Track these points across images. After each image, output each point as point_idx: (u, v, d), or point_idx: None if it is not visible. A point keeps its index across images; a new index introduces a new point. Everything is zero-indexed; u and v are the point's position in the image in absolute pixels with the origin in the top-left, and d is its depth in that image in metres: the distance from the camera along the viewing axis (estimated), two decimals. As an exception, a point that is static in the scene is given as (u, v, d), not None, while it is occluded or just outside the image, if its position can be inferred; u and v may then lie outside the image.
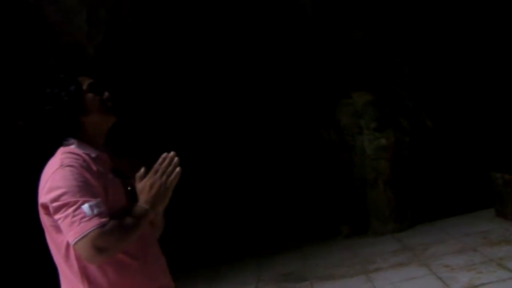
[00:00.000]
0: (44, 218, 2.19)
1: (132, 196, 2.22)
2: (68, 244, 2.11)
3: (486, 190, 7.36)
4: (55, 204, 2.07)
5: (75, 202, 2.04)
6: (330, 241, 7.78)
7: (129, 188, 2.26)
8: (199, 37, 7.97)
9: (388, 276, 5.83)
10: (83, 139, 2.27)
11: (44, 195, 2.12)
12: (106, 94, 2.34)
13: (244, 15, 7.96)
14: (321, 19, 7.91)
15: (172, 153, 2.22)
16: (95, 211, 2.04)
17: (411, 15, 8.00)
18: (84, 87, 2.30)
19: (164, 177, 2.19)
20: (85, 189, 2.08)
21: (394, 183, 7.73)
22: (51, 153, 2.28)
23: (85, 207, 2.04)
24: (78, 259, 2.13)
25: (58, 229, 2.11)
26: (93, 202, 2.05)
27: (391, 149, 7.75)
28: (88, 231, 2.02)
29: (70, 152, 2.19)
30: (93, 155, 2.23)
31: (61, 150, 2.24)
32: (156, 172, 2.19)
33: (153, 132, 7.71)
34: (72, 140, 2.26)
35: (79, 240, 2.02)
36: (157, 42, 7.66)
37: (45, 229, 2.22)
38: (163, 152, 2.25)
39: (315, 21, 7.95)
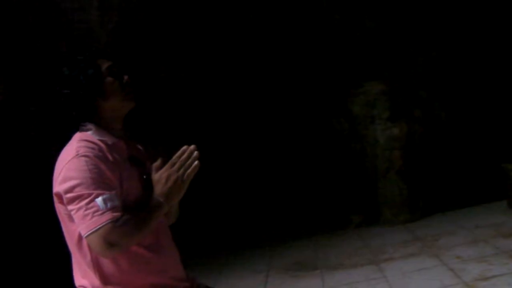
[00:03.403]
0: (58, 206, 2.19)
1: (148, 185, 2.18)
2: (80, 235, 2.10)
3: (498, 181, 7.32)
4: (68, 195, 2.06)
5: (88, 195, 2.03)
6: (341, 231, 7.76)
7: (145, 177, 2.22)
8: (212, 22, 7.93)
9: (399, 266, 5.82)
10: (100, 124, 2.23)
11: (58, 185, 2.11)
12: (126, 78, 2.29)
13: (258, 3, 7.92)
14: (335, 8, 7.87)
15: (192, 146, 2.16)
16: (109, 205, 2.02)
17: (425, 5, 7.93)
18: (103, 70, 2.25)
19: (181, 171, 2.14)
20: (99, 181, 2.05)
21: (406, 173, 7.70)
22: (66, 139, 2.26)
23: (99, 200, 2.02)
24: (90, 249, 2.12)
25: (71, 218, 2.11)
26: (107, 195, 2.04)
27: (403, 139, 7.72)
28: (101, 225, 2.00)
29: (86, 140, 2.16)
30: (109, 142, 2.20)
31: (77, 136, 2.20)
32: (174, 164, 2.15)
33: (170, 120, 7.71)
34: (89, 126, 2.22)
35: (91, 233, 2.01)
36: (171, 28, 7.63)
37: (59, 217, 2.22)
38: (180, 139, 2.22)
39: (329, 10, 7.91)
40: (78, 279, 2.24)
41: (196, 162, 2.15)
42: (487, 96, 8.08)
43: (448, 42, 8.07)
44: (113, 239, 2.01)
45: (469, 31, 8.04)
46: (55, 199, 2.17)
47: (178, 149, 2.18)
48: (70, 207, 2.07)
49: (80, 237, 2.12)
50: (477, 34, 8.05)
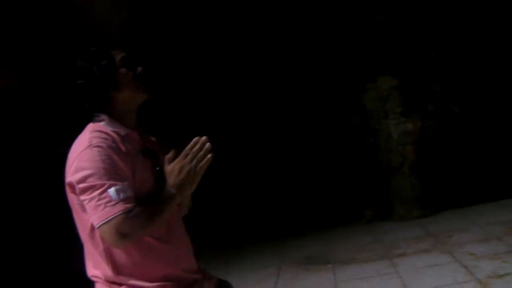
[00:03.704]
0: (70, 196, 2.18)
1: (161, 177, 2.17)
2: (93, 225, 2.09)
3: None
4: (81, 185, 2.05)
5: (101, 185, 2.02)
6: (353, 225, 7.74)
7: (157, 169, 2.21)
8: (224, 16, 7.91)
9: (412, 261, 5.80)
10: (114, 115, 2.23)
11: (71, 175, 2.10)
12: (139, 69, 2.29)
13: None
14: (347, 2, 7.82)
15: (204, 137, 2.15)
16: (121, 196, 2.02)
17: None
18: (117, 61, 2.24)
19: (194, 162, 2.13)
20: (112, 172, 2.05)
21: (419, 168, 7.66)
22: (79, 129, 2.25)
23: (111, 191, 2.01)
24: (103, 239, 2.12)
25: (84, 208, 2.10)
26: (119, 186, 2.03)
27: (416, 134, 7.67)
28: (113, 216, 2.00)
29: (99, 131, 2.15)
30: (122, 133, 2.19)
31: (90, 127, 2.19)
32: (186, 156, 2.13)
33: (183, 111, 7.71)
34: (102, 116, 2.21)
35: (103, 224, 2.01)
36: (182, 21, 7.62)
37: (72, 207, 2.21)
38: (194, 131, 2.21)
39: (341, 3, 7.86)
40: (90, 270, 2.24)
41: (209, 155, 2.14)
42: (500, 91, 8.01)
43: (461, 36, 8.00)
44: (125, 230, 2.00)
45: (483, 25, 7.96)
46: (68, 189, 2.17)
47: (190, 141, 2.17)
48: (82, 197, 2.06)
49: (92, 228, 2.11)
50: (490, 28, 7.97)
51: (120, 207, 2.00)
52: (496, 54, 8.02)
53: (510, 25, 7.99)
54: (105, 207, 2.00)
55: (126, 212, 2.00)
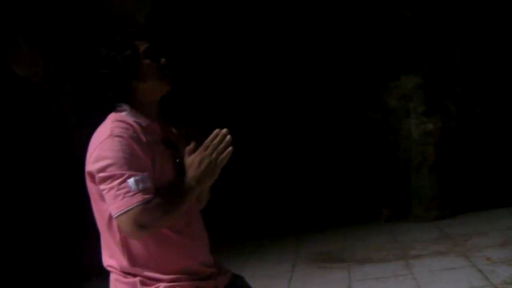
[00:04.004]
0: (90, 185, 2.18)
1: (180, 169, 2.16)
2: (111, 214, 2.10)
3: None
4: (101, 174, 2.06)
5: (121, 175, 2.02)
6: (370, 224, 7.71)
7: (178, 161, 2.20)
8: (249, 11, 7.89)
9: (427, 263, 5.76)
10: (135, 106, 2.22)
11: (91, 164, 2.11)
12: (163, 60, 2.27)
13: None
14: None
15: (224, 130, 2.13)
16: (140, 186, 2.01)
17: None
18: (141, 51, 2.23)
19: (214, 154, 2.11)
20: (132, 162, 2.05)
21: (439, 169, 7.60)
22: (101, 118, 2.25)
23: (131, 181, 2.01)
24: (120, 230, 2.12)
25: (103, 197, 2.10)
26: (139, 176, 2.03)
27: (437, 135, 7.62)
28: (131, 206, 2.00)
29: (120, 121, 2.15)
30: (144, 124, 2.19)
31: (112, 116, 2.20)
32: (207, 148, 2.12)
33: (206, 102, 7.72)
34: (124, 107, 2.21)
35: (121, 214, 2.01)
36: (207, 12, 7.61)
37: (91, 196, 2.21)
38: (216, 123, 2.20)
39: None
40: (106, 259, 2.24)
41: (230, 147, 2.12)
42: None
43: (485, 38, 7.91)
44: (143, 221, 2.00)
45: (509, 29, 7.87)
46: (87, 178, 2.17)
47: (210, 133, 2.15)
48: (102, 186, 2.06)
49: (110, 217, 2.11)
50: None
51: (139, 197, 2.00)
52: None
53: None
54: (124, 197, 2.00)
55: (145, 203, 2.00)
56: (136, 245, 2.14)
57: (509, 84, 7.98)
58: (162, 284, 2.16)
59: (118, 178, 2.02)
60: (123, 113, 2.20)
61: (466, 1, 7.77)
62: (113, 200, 2.02)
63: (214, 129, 2.17)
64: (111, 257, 2.21)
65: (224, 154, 2.12)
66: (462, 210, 7.57)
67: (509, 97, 7.96)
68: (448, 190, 7.62)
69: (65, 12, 6.51)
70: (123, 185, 2.01)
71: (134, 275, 2.17)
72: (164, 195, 2.07)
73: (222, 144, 2.12)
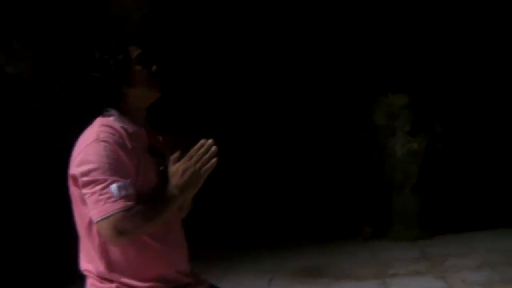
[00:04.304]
0: (72, 189, 2.18)
1: (164, 177, 2.17)
2: (91, 219, 2.10)
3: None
4: (84, 178, 2.06)
5: (104, 180, 2.03)
6: (350, 241, 7.70)
7: (162, 168, 2.21)
8: (242, 25, 7.92)
9: (405, 283, 5.77)
10: (123, 112, 2.22)
11: (75, 167, 2.11)
12: (154, 67, 2.28)
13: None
14: (370, 13, 7.81)
15: (210, 140, 2.14)
16: (123, 193, 2.02)
17: (459, 24, 7.87)
18: (133, 57, 2.24)
19: (198, 165, 2.11)
20: (116, 168, 2.05)
21: (422, 189, 7.64)
22: (87, 121, 2.26)
23: (113, 187, 2.02)
24: (99, 235, 2.12)
25: (84, 201, 2.10)
26: (122, 182, 2.03)
27: (422, 154, 7.66)
28: (112, 212, 2.00)
29: (107, 126, 2.16)
30: (130, 130, 2.19)
31: (99, 121, 2.20)
32: (191, 157, 2.12)
33: (194, 110, 7.71)
34: (112, 111, 2.21)
35: (102, 220, 2.01)
36: (202, 18, 7.62)
37: (73, 199, 2.22)
38: (199, 132, 2.20)
39: (362, 16, 7.86)
40: (84, 263, 2.24)
41: (214, 158, 2.13)
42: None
43: (474, 63, 8.01)
44: (123, 227, 2.00)
45: (500, 53, 7.98)
46: (70, 181, 2.17)
47: (196, 142, 2.16)
48: (84, 190, 2.07)
49: (90, 222, 2.11)
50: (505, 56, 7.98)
51: (121, 204, 2.00)
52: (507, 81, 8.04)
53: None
54: (105, 202, 2.00)
55: (126, 210, 2.00)
56: (115, 251, 2.14)
57: (496, 109, 8.08)
58: (139, 291, 2.16)
59: (101, 183, 2.02)
60: (111, 118, 2.21)
61: (457, 22, 7.85)
62: (94, 205, 2.03)
63: (201, 138, 2.18)
64: (89, 261, 2.20)
65: (208, 165, 2.12)
66: (443, 231, 7.60)
67: (494, 122, 8.05)
68: (429, 210, 7.66)
69: (60, 11, 6.50)
70: (105, 191, 2.01)
71: (111, 281, 2.17)
72: (146, 203, 2.08)
73: (207, 155, 2.12)
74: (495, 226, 7.51)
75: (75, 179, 2.12)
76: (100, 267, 2.16)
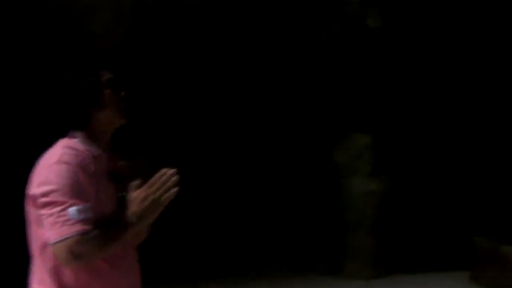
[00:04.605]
0: (29, 208, 2.17)
1: (123, 203, 2.16)
2: (46, 241, 2.08)
3: (466, 252, 7.38)
4: (43, 199, 2.05)
5: (63, 203, 2.02)
6: (304, 276, 7.72)
7: (122, 194, 2.20)
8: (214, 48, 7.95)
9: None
10: (88, 135, 2.22)
11: (35, 187, 2.10)
12: (123, 93, 2.29)
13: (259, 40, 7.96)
14: (336, 53, 7.93)
15: (172, 170, 2.14)
16: (81, 216, 2.02)
17: (425, 65, 8.07)
18: (104, 81, 2.25)
19: (158, 193, 2.11)
20: (76, 191, 2.05)
21: (377, 229, 7.74)
22: (52, 141, 2.25)
23: (72, 210, 2.01)
24: (54, 257, 2.10)
25: (41, 222, 2.09)
26: (81, 206, 2.03)
27: (379, 195, 7.77)
28: (69, 235, 2.00)
29: (71, 147, 2.16)
30: (94, 153, 2.19)
31: (63, 142, 2.20)
32: (152, 185, 2.12)
33: (158, 134, 7.66)
34: (77, 133, 2.21)
35: (58, 242, 2.01)
36: (174, 44, 7.64)
37: (28, 219, 2.20)
38: (166, 158, 2.20)
39: (331, 56, 7.98)
40: (34, 285, 2.22)
41: (175, 188, 2.13)
42: (473, 166, 8.20)
43: (438, 106, 8.19)
44: (79, 251, 2.00)
45: (456, 96, 8.19)
46: (28, 201, 2.16)
47: (158, 169, 2.17)
48: (42, 211, 2.06)
49: (45, 243, 2.10)
50: (464, 100, 8.20)
51: (78, 227, 2.00)
52: (467, 127, 8.24)
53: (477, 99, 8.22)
54: (62, 225, 2.00)
55: (83, 234, 2.00)
56: (68, 275, 2.12)
57: (455, 153, 8.25)
58: (88, 316, 2.14)
59: (59, 205, 2.02)
60: (75, 140, 2.21)
61: (423, 66, 8.04)
62: (51, 226, 2.02)
63: (163, 166, 2.19)
64: (40, 283, 2.18)
65: (168, 194, 2.12)
66: (395, 271, 7.69)
67: (456, 167, 8.21)
68: (383, 250, 7.75)
69: (39, 25, 6.47)
70: (63, 213, 2.01)
71: (60, 304, 2.14)
72: (104, 228, 2.07)
73: (168, 184, 2.12)
74: (448, 268, 7.63)
75: (33, 199, 2.11)
76: (51, 289, 2.14)
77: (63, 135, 2.24)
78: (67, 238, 1.99)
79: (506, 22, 8.01)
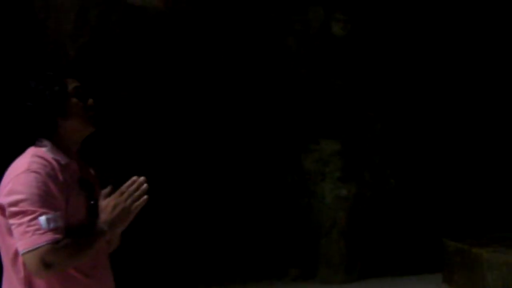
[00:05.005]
0: (-1, 217, 2.15)
1: (93, 211, 2.17)
2: (17, 250, 2.07)
3: (436, 254, 7.46)
4: (12, 208, 2.04)
5: (32, 212, 2.01)
6: (276, 282, 7.74)
7: (92, 202, 2.21)
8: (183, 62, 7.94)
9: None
10: (57, 143, 2.21)
11: (4, 197, 2.08)
12: (90, 101, 2.28)
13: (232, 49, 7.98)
14: (304, 62, 7.99)
15: (142, 178, 2.15)
16: (51, 225, 2.01)
17: (393, 71, 8.17)
18: (70, 89, 2.24)
19: (129, 201, 2.12)
20: (46, 200, 2.04)
21: (349, 234, 7.79)
22: (20, 150, 2.23)
23: (42, 219, 2.00)
24: (25, 267, 2.08)
25: (11, 231, 2.07)
26: (51, 215, 2.02)
27: (350, 200, 7.83)
28: (40, 245, 1.98)
29: (39, 156, 2.14)
30: (63, 162, 2.18)
31: (31, 151, 2.18)
32: (122, 194, 2.13)
33: (131, 142, 7.60)
34: (45, 142, 2.20)
35: (28, 252, 1.99)
36: (138, 56, 7.61)
37: None
38: (136, 166, 2.21)
39: (298, 62, 8.03)
40: (6, 295, 2.19)
41: (145, 196, 2.14)
42: (440, 173, 8.31)
43: (408, 114, 8.30)
44: (50, 260, 1.99)
45: (435, 106, 8.31)
46: (-3, 210, 2.14)
47: (128, 177, 2.17)
48: (11, 221, 2.04)
49: (16, 253, 2.08)
50: (441, 109, 8.33)
51: (48, 236, 1.99)
52: (441, 136, 8.37)
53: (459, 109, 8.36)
54: (33, 234, 1.98)
55: (54, 243, 1.99)
56: (40, 284, 2.11)
57: (427, 160, 8.36)
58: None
59: (29, 215, 2.00)
60: (44, 149, 2.19)
61: (392, 74, 8.15)
62: (21, 236, 2.00)
63: (133, 174, 2.20)
64: (12, 293, 2.16)
65: (138, 202, 2.13)
66: (368, 275, 7.75)
67: (424, 173, 8.32)
68: (355, 255, 7.80)
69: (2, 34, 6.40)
70: (33, 222, 2.00)
71: (33, 315, 2.12)
72: (74, 237, 2.07)
73: (138, 192, 2.13)
74: (419, 271, 7.71)
75: (2, 208, 2.09)
76: (24, 299, 2.12)
77: (30, 143, 2.23)
78: (38, 247, 1.98)
79: (489, 23, 8.17)
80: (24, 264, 2.07)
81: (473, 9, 8.13)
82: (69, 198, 2.14)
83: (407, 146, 8.35)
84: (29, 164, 2.10)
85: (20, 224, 2.01)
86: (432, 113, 8.38)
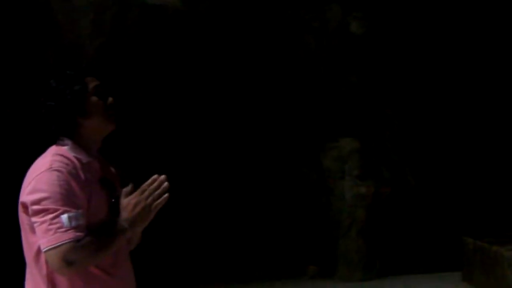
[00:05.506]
0: (22, 216, 2.17)
1: (115, 209, 2.18)
2: (40, 248, 2.08)
3: (456, 252, 7.42)
4: (35, 207, 2.05)
5: (55, 210, 2.03)
6: (295, 280, 7.74)
7: (113, 200, 2.22)
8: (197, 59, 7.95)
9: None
10: (78, 142, 2.22)
11: (26, 195, 2.10)
12: (110, 99, 2.29)
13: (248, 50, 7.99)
14: (323, 60, 7.98)
15: (162, 176, 2.16)
16: (73, 223, 2.02)
17: (411, 69, 8.13)
18: (90, 88, 2.25)
19: (150, 199, 2.13)
20: (68, 198, 2.05)
21: (368, 232, 7.77)
22: (42, 149, 2.25)
23: (64, 217, 2.02)
24: (47, 264, 2.10)
25: (34, 229, 2.09)
26: (73, 213, 2.03)
27: (369, 198, 7.81)
28: (61, 242, 2.00)
29: (61, 155, 2.16)
30: (84, 160, 2.19)
31: (52, 149, 2.20)
32: (143, 192, 2.14)
33: (147, 141, 7.64)
34: (66, 141, 2.21)
35: (51, 249, 2.01)
36: (156, 55, 7.64)
37: (22, 226, 2.20)
38: (153, 164, 2.21)
39: (317, 60, 8.02)
40: (29, 292, 2.21)
41: (165, 195, 2.15)
42: (460, 169, 8.26)
43: (426, 109, 8.26)
44: (72, 258, 2.00)
45: (450, 103, 8.25)
46: (20, 208, 2.16)
47: (148, 176, 2.18)
48: (34, 219, 2.06)
49: (39, 250, 2.10)
50: (456, 106, 8.27)
51: (70, 234, 2.00)
52: (457, 133, 8.31)
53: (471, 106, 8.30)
54: (55, 232, 2.00)
55: (76, 241, 2.01)
56: (62, 281, 2.12)
57: (445, 158, 8.31)
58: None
59: (51, 213, 2.02)
60: (65, 148, 2.21)
61: (410, 71, 8.11)
62: (44, 234, 2.02)
63: (154, 172, 2.20)
64: (34, 290, 2.18)
65: (159, 200, 2.14)
66: (387, 273, 7.72)
67: (443, 170, 8.27)
68: (374, 253, 7.78)
69: (15, 37, 6.45)
70: (56, 220, 2.01)
71: (56, 311, 2.14)
72: (96, 235, 2.08)
73: (159, 190, 2.14)
74: (438, 269, 7.66)
75: (25, 206, 2.11)
76: (46, 296, 2.14)
77: (52, 142, 2.24)
78: (60, 245, 2.00)
79: (495, 24, 8.11)
80: (47, 262, 2.09)
81: (494, 5, 8.07)
82: (91, 196, 2.15)
83: (426, 143, 8.31)
84: (51, 162, 2.12)
85: (43, 222, 2.03)
86: (450, 109, 8.33)
